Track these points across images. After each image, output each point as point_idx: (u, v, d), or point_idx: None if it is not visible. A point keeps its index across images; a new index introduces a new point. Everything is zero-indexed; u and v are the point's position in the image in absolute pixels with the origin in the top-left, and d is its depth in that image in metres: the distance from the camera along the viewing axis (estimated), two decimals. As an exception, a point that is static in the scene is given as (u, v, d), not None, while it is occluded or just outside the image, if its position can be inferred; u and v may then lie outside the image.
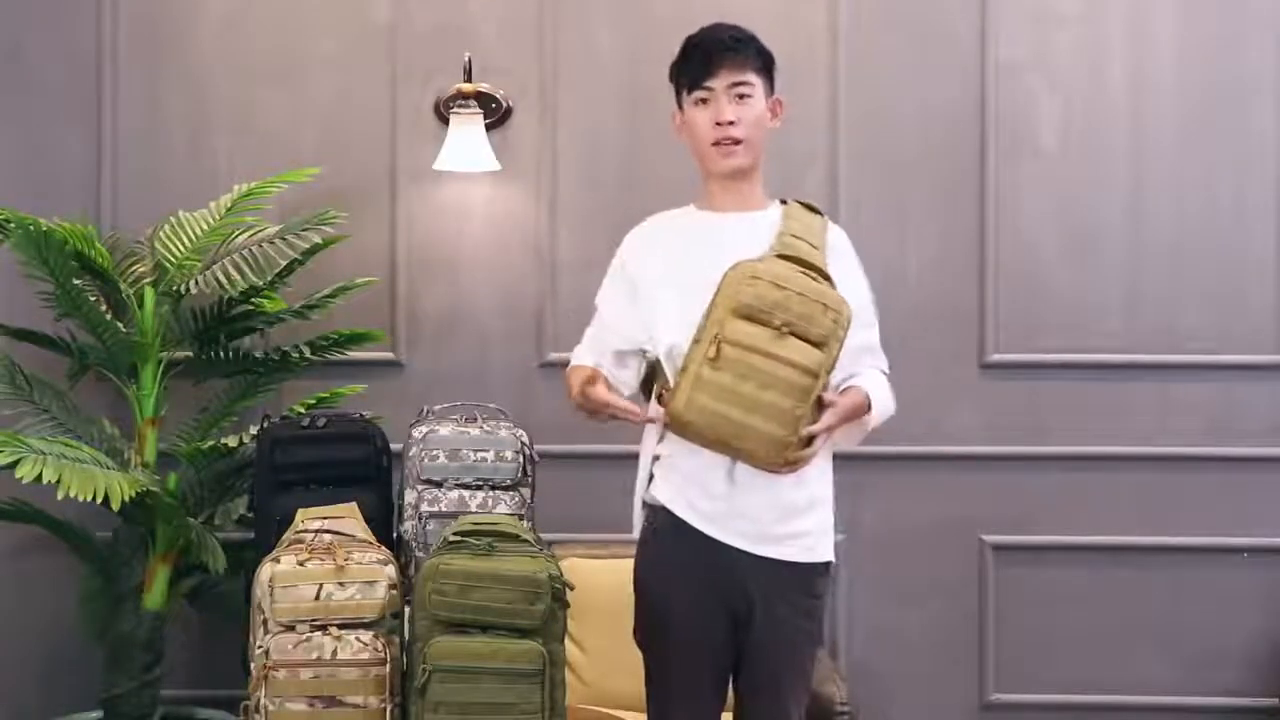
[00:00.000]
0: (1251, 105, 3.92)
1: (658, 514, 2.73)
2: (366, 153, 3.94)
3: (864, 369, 2.77)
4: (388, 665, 2.79)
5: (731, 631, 2.71)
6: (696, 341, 2.61)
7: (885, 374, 2.81)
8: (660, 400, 2.67)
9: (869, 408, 2.72)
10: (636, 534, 2.80)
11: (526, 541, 2.88)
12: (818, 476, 2.72)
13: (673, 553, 2.71)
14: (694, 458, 2.67)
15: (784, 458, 2.58)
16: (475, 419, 3.34)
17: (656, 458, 2.74)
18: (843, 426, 2.68)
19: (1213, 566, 3.92)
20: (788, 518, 2.68)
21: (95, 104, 3.94)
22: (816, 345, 2.58)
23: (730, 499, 2.67)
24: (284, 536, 3.03)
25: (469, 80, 3.83)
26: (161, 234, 3.73)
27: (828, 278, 2.66)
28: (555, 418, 3.80)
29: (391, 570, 2.88)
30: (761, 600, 2.68)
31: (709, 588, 2.68)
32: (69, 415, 3.64)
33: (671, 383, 2.65)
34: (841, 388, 2.72)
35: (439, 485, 3.27)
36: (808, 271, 2.64)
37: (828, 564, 2.76)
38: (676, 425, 2.63)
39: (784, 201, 2.81)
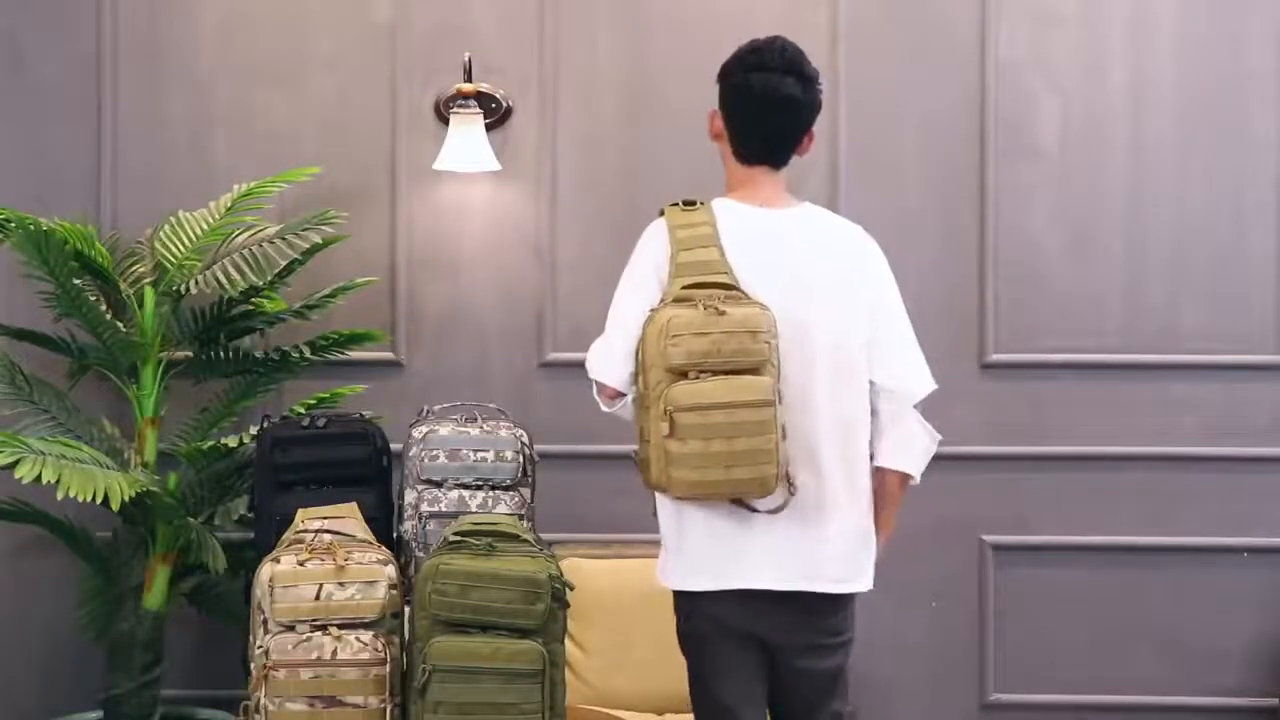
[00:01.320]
0: (1251, 105, 3.92)
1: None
2: (366, 153, 3.94)
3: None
4: (388, 665, 2.79)
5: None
6: (644, 405, 2.54)
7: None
8: (636, 458, 2.60)
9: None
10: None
11: (526, 541, 2.89)
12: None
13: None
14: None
15: (781, 485, 2.54)
16: (475, 419, 3.35)
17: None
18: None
19: (1213, 566, 3.92)
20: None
21: (95, 104, 3.94)
22: (756, 372, 2.50)
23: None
24: (284, 536, 3.03)
25: (469, 80, 3.83)
26: (161, 234, 3.73)
27: (733, 285, 2.56)
28: (555, 418, 3.81)
29: (391, 570, 2.88)
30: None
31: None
32: (69, 415, 3.64)
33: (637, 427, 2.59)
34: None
35: (439, 485, 3.27)
36: (714, 300, 2.53)
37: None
38: (659, 492, 2.59)
39: (661, 213, 2.69)
